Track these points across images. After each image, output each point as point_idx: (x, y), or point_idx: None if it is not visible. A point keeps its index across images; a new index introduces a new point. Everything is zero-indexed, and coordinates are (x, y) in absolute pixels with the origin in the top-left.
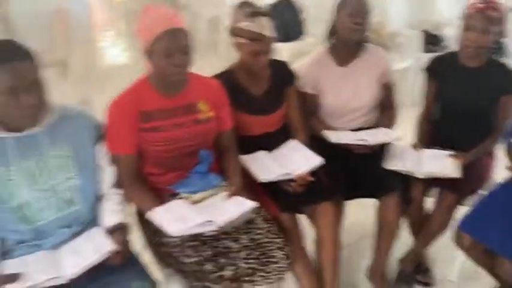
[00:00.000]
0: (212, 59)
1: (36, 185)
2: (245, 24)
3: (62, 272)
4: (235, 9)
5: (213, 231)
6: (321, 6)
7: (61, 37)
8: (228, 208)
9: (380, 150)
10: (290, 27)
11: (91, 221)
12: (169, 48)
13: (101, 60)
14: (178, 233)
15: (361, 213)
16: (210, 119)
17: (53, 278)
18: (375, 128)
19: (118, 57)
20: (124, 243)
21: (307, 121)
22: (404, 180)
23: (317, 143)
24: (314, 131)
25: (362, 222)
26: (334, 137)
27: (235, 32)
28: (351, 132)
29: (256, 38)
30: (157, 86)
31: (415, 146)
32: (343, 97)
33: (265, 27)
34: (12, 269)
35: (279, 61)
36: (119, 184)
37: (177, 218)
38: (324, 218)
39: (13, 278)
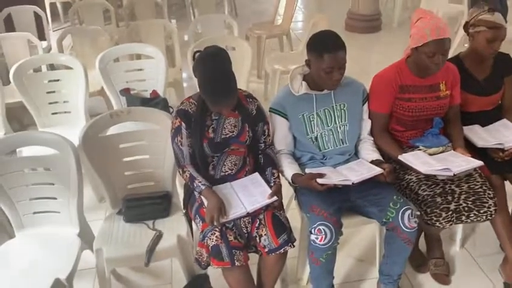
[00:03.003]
0: None
1: (325, 126)
2: (485, 16)
3: (348, 177)
4: (473, 8)
5: (446, 176)
6: None
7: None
8: (460, 162)
9: None
10: None
11: (354, 154)
12: (434, 52)
13: None
14: (425, 171)
15: None
16: (446, 96)
17: (343, 180)
18: None
19: None
20: (389, 169)
21: None
22: None
23: None
24: None
25: None
26: None
27: (475, 23)
28: None
29: (495, 26)
30: (412, 68)
31: None
32: None
33: (501, 20)
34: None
35: (503, 53)
36: (371, 132)
37: (423, 162)
38: None
39: (321, 175)
